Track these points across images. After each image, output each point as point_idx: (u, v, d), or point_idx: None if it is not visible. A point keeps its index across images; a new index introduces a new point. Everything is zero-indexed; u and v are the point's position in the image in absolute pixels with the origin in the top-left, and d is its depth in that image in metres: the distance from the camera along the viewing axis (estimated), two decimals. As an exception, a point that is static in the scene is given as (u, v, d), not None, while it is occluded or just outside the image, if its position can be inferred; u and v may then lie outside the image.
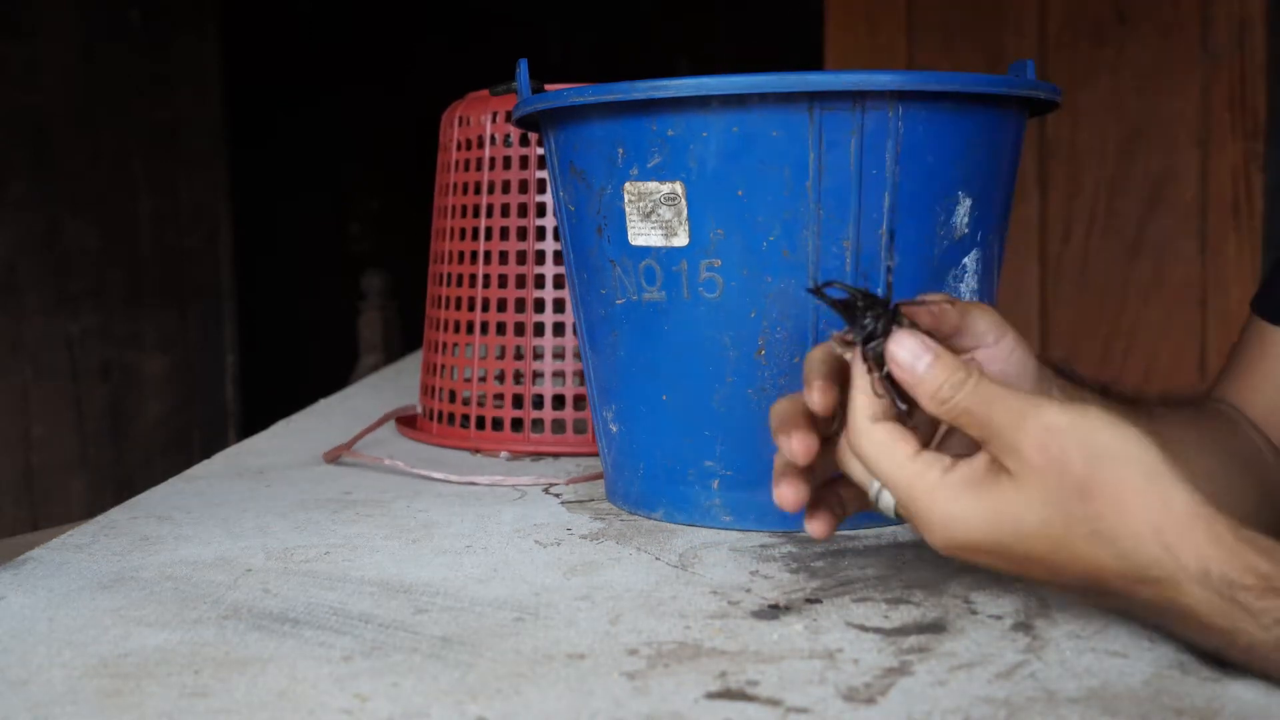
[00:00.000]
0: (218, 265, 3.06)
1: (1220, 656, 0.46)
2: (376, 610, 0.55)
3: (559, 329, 0.95)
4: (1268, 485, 0.74)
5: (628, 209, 0.68)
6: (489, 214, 0.98)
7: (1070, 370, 0.67)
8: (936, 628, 0.52)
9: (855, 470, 0.53)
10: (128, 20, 2.80)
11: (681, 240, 0.66)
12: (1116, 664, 0.47)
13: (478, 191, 0.98)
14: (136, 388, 2.85)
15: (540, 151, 0.96)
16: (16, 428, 2.62)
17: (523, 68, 0.76)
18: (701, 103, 0.64)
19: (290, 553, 0.66)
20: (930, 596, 0.56)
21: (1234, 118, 1.72)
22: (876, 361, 0.51)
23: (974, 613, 0.54)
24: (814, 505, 0.56)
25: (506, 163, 0.97)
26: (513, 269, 0.96)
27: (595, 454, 0.92)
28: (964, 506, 0.48)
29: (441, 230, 1.03)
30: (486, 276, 0.97)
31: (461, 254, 0.99)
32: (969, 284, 0.69)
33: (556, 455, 0.93)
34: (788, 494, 0.54)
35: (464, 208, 0.99)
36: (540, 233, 0.96)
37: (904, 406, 0.51)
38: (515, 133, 0.97)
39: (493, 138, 0.97)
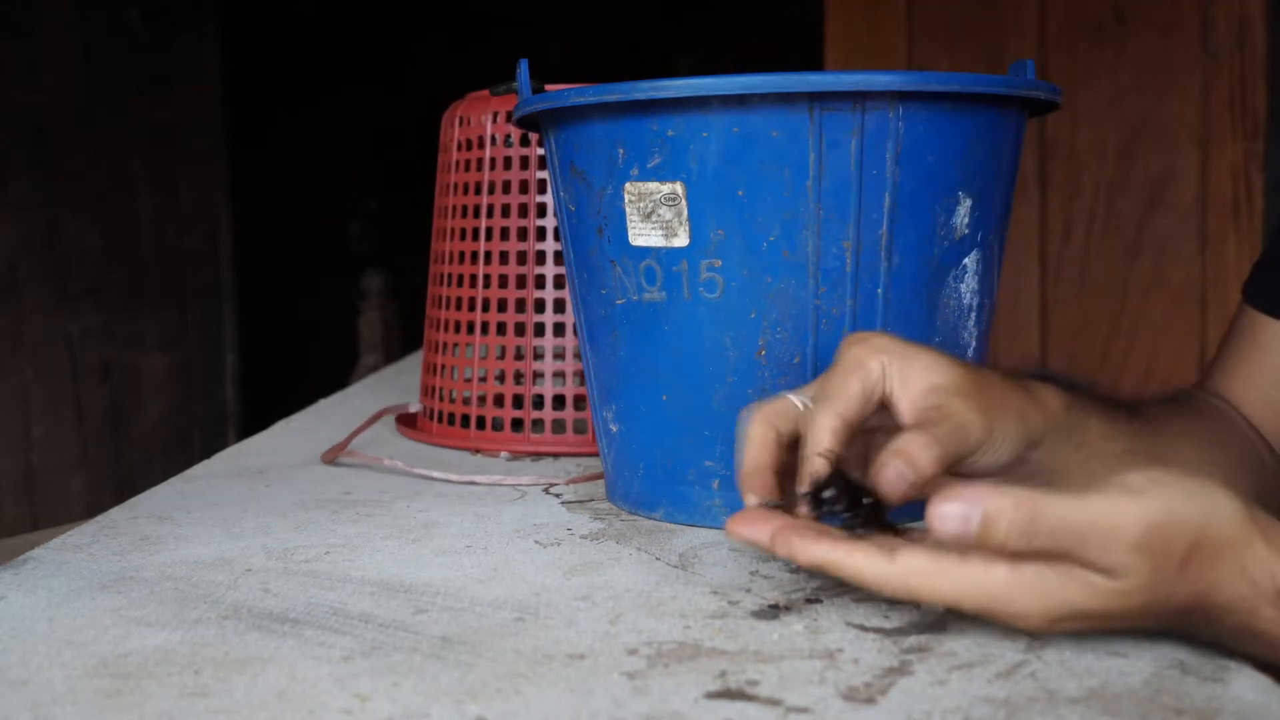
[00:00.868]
0: (218, 265, 3.06)
1: None
2: (376, 610, 0.55)
3: (559, 329, 0.95)
4: (1262, 482, 0.74)
5: (628, 209, 0.68)
6: (489, 214, 0.98)
7: (1077, 382, 0.66)
8: (936, 627, 0.52)
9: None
10: (128, 20, 2.80)
11: (682, 240, 0.66)
12: (1116, 664, 0.47)
13: (478, 192, 0.98)
14: (136, 388, 2.85)
15: (540, 152, 0.96)
16: (16, 428, 2.62)
17: (523, 68, 0.76)
18: (702, 103, 0.64)
19: (290, 553, 0.66)
20: (930, 596, 0.56)
21: (1234, 118, 1.72)
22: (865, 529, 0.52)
23: (974, 613, 0.54)
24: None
25: (507, 163, 0.97)
26: (513, 269, 0.96)
27: (595, 454, 0.92)
28: (1059, 603, 0.46)
29: (441, 230, 1.03)
30: (487, 277, 0.97)
31: (462, 254, 0.99)
32: (969, 284, 0.69)
33: (556, 455, 0.93)
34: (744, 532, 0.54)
35: (464, 208, 0.99)
36: (540, 233, 0.96)
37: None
38: (515, 133, 0.97)
39: (493, 138, 0.97)
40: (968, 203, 0.67)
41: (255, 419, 1.74)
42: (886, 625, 0.52)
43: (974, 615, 0.48)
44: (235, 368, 3.09)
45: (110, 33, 2.77)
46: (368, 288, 2.72)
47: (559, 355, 0.95)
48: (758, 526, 0.52)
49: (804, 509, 0.54)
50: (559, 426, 0.94)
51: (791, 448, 0.59)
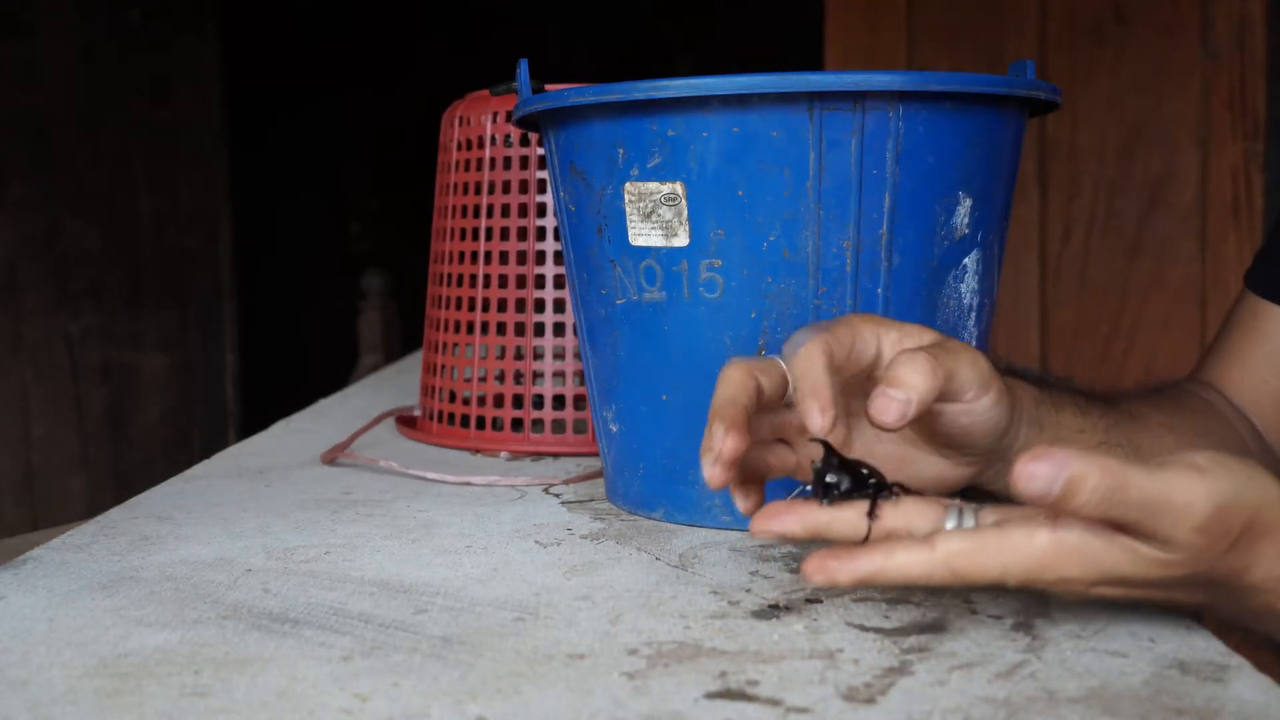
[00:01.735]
0: (218, 265, 3.06)
1: None
2: (376, 610, 0.55)
3: (559, 329, 0.95)
4: None
5: (628, 209, 0.68)
6: (489, 214, 0.98)
7: (1046, 377, 0.67)
8: (936, 628, 0.52)
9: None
10: (128, 20, 2.80)
11: (682, 240, 0.66)
12: (1116, 664, 0.47)
13: (478, 191, 0.98)
14: (136, 388, 2.85)
15: (540, 152, 0.96)
16: (16, 427, 2.62)
17: (523, 68, 0.76)
18: (702, 103, 0.64)
19: (290, 553, 0.66)
20: (930, 596, 0.56)
21: (1234, 118, 1.72)
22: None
23: (974, 613, 0.54)
24: (744, 481, 0.55)
25: (506, 163, 0.97)
26: (513, 269, 0.96)
27: (595, 454, 0.92)
28: (1102, 568, 0.46)
29: (441, 230, 1.03)
30: (487, 276, 0.97)
31: (461, 254, 0.99)
32: (969, 284, 0.69)
33: (556, 455, 0.93)
34: (717, 476, 0.52)
35: (464, 208, 0.99)
36: (540, 233, 0.96)
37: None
38: (515, 133, 0.97)
39: (493, 138, 0.97)
40: (968, 203, 0.67)
41: (255, 419, 1.74)
42: (886, 625, 0.52)
43: (1017, 587, 0.47)
44: (235, 368, 3.09)
45: (110, 33, 2.77)
46: (368, 288, 2.72)
47: (559, 355, 0.95)
48: (785, 519, 0.51)
49: (809, 501, 0.53)
50: (559, 426, 0.94)
51: (768, 409, 0.57)
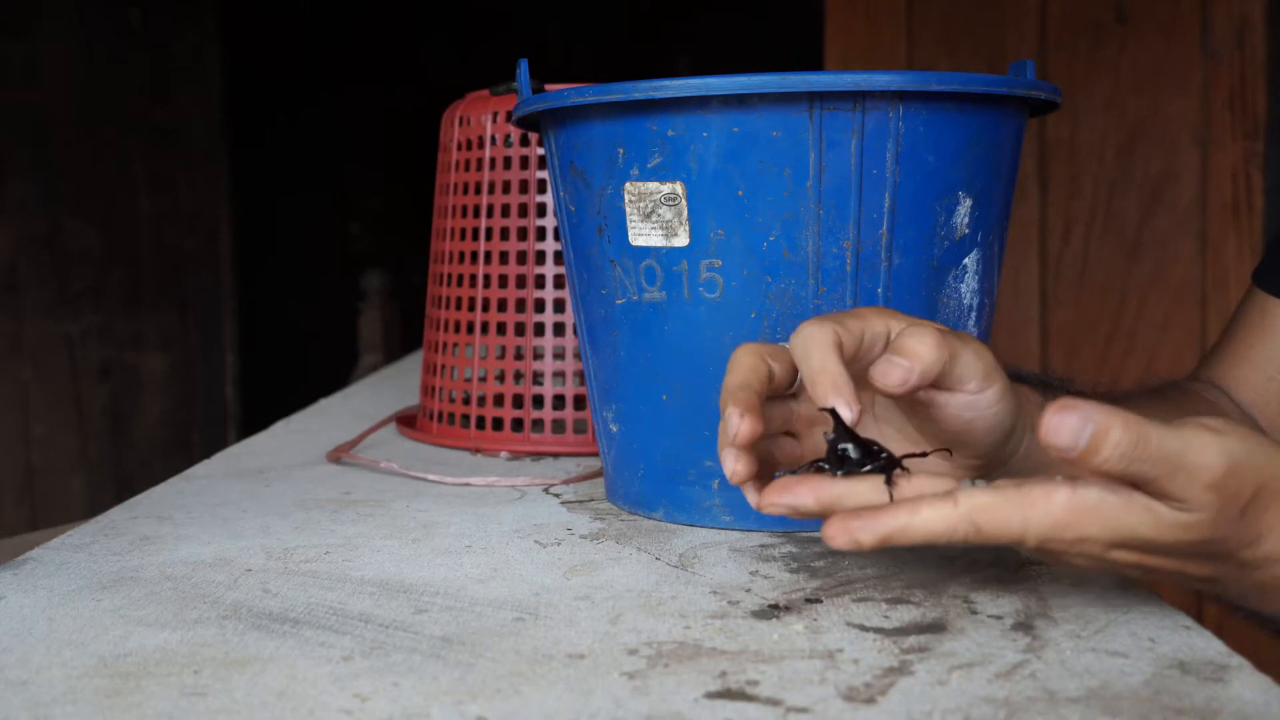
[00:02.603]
0: (218, 265, 3.06)
1: None
2: (376, 610, 0.55)
3: (559, 329, 0.95)
4: None
5: (628, 209, 0.68)
6: (489, 214, 0.98)
7: (1049, 379, 0.66)
8: (937, 628, 0.52)
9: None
10: (128, 20, 2.80)
11: (682, 240, 0.66)
12: (1116, 664, 0.47)
13: (478, 191, 0.98)
14: (136, 387, 2.85)
15: (540, 151, 0.96)
16: (16, 427, 2.62)
17: (523, 68, 0.76)
18: (702, 103, 0.64)
19: (290, 552, 0.66)
20: (930, 596, 0.56)
21: (1234, 118, 1.72)
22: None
23: (974, 613, 0.54)
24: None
25: (507, 163, 0.97)
26: (513, 269, 0.96)
27: (595, 454, 0.92)
28: (1120, 528, 0.46)
29: (441, 230, 1.03)
30: (487, 276, 0.97)
31: (462, 254, 0.99)
32: (969, 284, 0.69)
33: (556, 455, 0.93)
34: (740, 469, 0.52)
35: (464, 208, 0.99)
36: (540, 233, 0.96)
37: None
38: (515, 133, 0.97)
39: (493, 138, 0.97)
40: (968, 203, 0.67)
41: (255, 419, 1.74)
42: (886, 625, 0.52)
43: (1036, 547, 0.47)
44: (235, 368, 3.09)
45: (110, 32, 2.77)
46: (368, 288, 2.73)
47: (559, 355, 0.95)
48: (798, 491, 0.51)
49: (826, 468, 0.52)
50: (559, 426, 0.94)
51: (776, 397, 0.58)
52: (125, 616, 0.55)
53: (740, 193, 0.64)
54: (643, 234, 0.67)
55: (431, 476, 0.84)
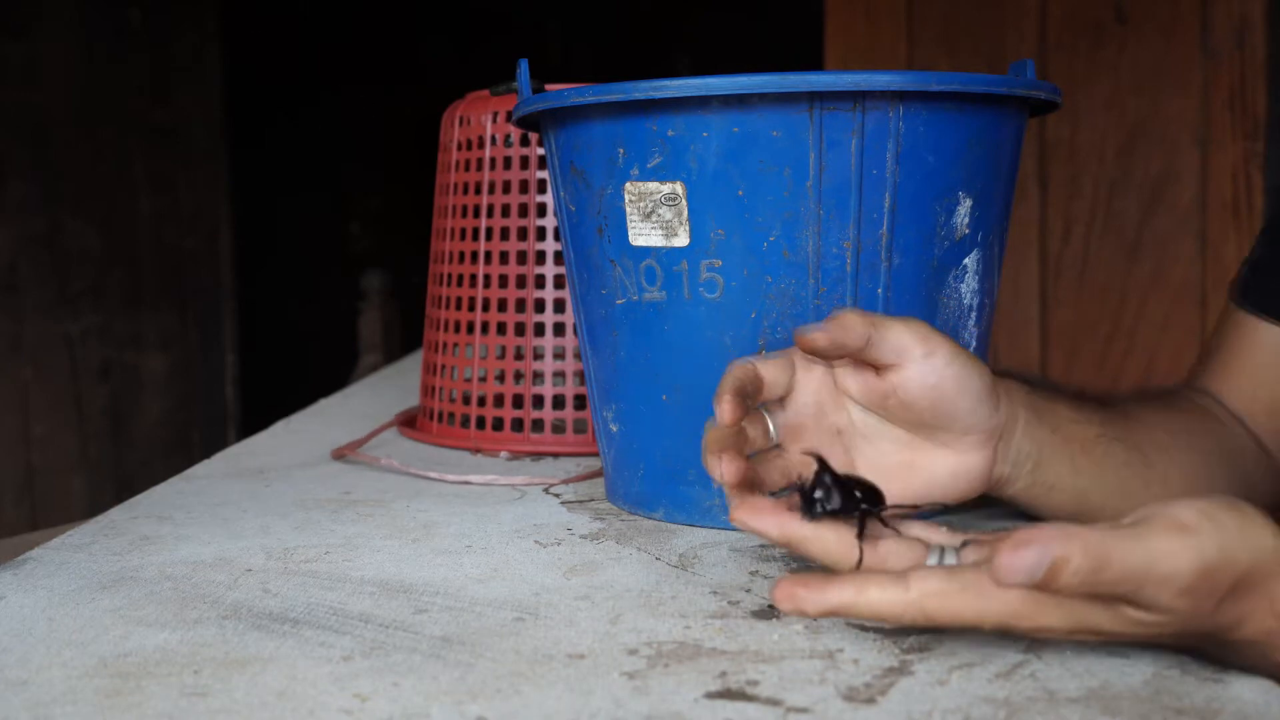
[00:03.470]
0: (218, 265, 3.06)
1: None
2: (376, 610, 0.55)
3: (559, 329, 0.95)
4: (1250, 478, 0.74)
5: (628, 209, 0.68)
6: (489, 214, 0.98)
7: (1034, 378, 0.67)
8: (937, 627, 0.52)
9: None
10: (128, 20, 2.80)
11: (682, 240, 0.66)
12: (1116, 664, 0.47)
13: (478, 191, 0.98)
14: (136, 387, 2.85)
15: (540, 152, 0.96)
16: (17, 427, 2.62)
17: (523, 68, 0.76)
18: (702, 103, 0.64)
19: (290, 552, 0.66)
20: (930, 596, 0.56)
21: (1234, 118, 1.72)
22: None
23: (974, 613, 0.54)
24: (744, 488, 0.55)
25: (507, 163, 0.97)
26: (513, 269, 0.96)
27: (595, 454, 0.92)
28: (1083, 624, 0.45)
29: (442, 230, 1.03)
30: (487, 276, 0.97)
31: (462, 254, 0.99)
32: (969, 284, 0.69)
33: (556, 455, 0.93)
34: (729, 469, 0.53)
35: (464, 208, 0.99)
36: (541, 233, 0.96)
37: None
38: (516, 133, 0.97)
39: (493, 138, 0.97)
40: (968, 203, 0.67)
41: (255, 419, 1.74)
42: (886, 625, 0.52)
43: (993, 632, 0.47)
44: (235, 368, 3.09)
45: (110, 32, 2.77)
46: (368, 288, 2.73)
47: (559, 355, 0.95)
48: (765, 519, 0.51)
49: (797, 512, 0.53)
50: (559, 427, 0.94)
51: (773, 407, 0.60)
52: (125, 616, 0.55)
53: (740, 193, 0.64)
54: (643, 234, 0.67)
55: (432, 474, 0.84)
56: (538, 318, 0.95)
